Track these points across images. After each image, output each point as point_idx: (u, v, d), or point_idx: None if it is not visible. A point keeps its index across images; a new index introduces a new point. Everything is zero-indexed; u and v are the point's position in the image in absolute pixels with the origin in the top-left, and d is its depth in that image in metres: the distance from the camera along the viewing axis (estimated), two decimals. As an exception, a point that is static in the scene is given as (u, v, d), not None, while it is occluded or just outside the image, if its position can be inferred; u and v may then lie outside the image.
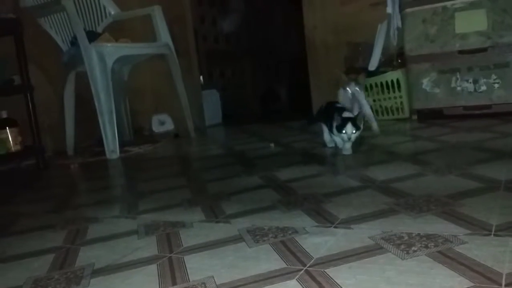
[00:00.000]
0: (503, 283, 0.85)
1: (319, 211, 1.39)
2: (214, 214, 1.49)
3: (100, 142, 3.10)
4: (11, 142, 2.80)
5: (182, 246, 1.24)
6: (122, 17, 3.67)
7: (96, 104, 2.99)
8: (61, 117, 3.37)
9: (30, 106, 2.87)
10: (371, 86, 3.16)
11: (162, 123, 4.35)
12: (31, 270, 1.22)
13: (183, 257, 1.15)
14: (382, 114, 3.14)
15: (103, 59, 3.00)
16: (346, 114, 2.11)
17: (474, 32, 2.72)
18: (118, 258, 1.21)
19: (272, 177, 1.92)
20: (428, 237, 1.10)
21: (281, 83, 5.34)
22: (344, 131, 2.08)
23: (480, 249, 1.00)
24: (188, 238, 1.29)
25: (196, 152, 3.12)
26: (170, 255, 1.18)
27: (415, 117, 2.98)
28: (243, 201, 1.60)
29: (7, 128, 2.78)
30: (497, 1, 2.64)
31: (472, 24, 2.71)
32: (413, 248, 1.04)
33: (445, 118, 2.83)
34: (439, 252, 1.01)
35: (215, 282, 0.99)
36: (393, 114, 3.10)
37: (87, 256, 1.27)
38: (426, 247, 1.04)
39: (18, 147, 2.83)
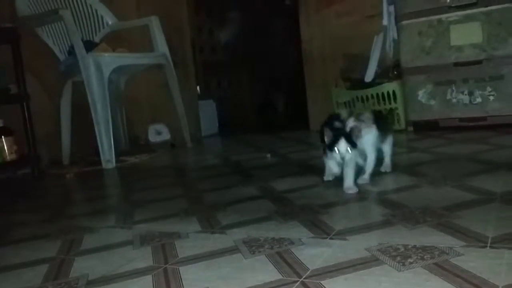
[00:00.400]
0: (499, 295, 0.85)
1: (315, 222, 1.38)
2: (210, 225, 1.49)
3: (96, 152, 3.09)
4: (6, 151, 2.79)
5: (178, 257, 1.23)
6: (119, 27, 3.68)
7: (93, 113, 2.99)
8: (57, 126, 3.36)
9: (26, 115, 2.87)
10: (367, 97, 3.18)
11: (158, 133, 4.35)
12: (24, 281, 1.21)
13: (178, 268, 1.15)
14: (378, 126, 3.15)
15: (100, 68, 3.00)
16: (338, 125, 1.68)
17: (469, 45, 2.74)
18: (113, 269, 1.20)
19: (269, 187, 1.92)
20: (424, 249, 1.10)
21: (278, 94, 5.35)
22: (336, 149, 1.60)
23: (476, 261, 1.00)
24: (183, 249, 1.28)
25: (193, 162, 3.12)
26: (166, 266, 1.18)
27: (411, 128, 3.00)
28: (239, 212, 1.60)
29: (2, 137, 2.77)
30: (491, 14, 2.67)
31: (467, 36, 2.73)
32: (409, 260, 1.04)
33: (441, 130, 2.84)
34: (435, 264, 1.01)
35: (210, 294, 0.98)
36: (389, 126, 3.11)
37: (81, 266, 1.26)
38: (422, 259, 1.04)
39: (14, 156, 2.82)
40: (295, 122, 3.92)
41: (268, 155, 2.69)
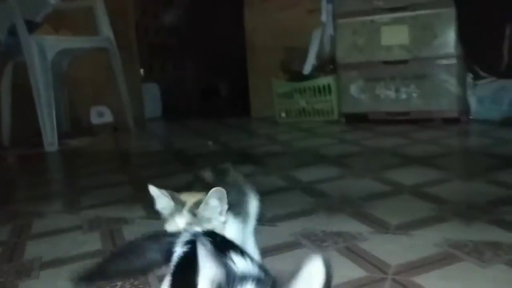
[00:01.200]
0: (390, 273, 1.06)
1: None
2: (154, 211, 1.62)
3: (38, 133, 3.10)
4: None
5: (125, 241, 1.36)
6: (62, 7, 3.64)
7: (35, 96, 3.00)
8: (-3, 107, 3.33)
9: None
10: (304, 89, 3.38)
11: (100, 115, 4.35)
12: (-21, 263, 1.31)
13: (126, 251, 1.28)
14: (314, 116, 3.36)
15: (43, 52, 3.00)
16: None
17: (398, 45, 2.99)
18: (65, 253, 1.32)
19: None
20: (339, 234, 1.30)
21: (222, 80, 5.46)
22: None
23: (378, 245, 1.21)
24: (130, 234, 1.41)
25: (136, 147, 3.21)
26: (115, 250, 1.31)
27: (343, 119, 3.23)
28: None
29: None
30: (418, 19, 2.91)
31: (395, 38, 2.97)
32: (324, 244, 1.24)
33: (370, 122, 3.09)
34: (345, 247, 1.21)
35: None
36: (323, 116, 3.33)
37: (34, 250, 1.37)
38: (336, 243, 1.24)
39: (-48, 138, 2.80)
40: (238, 108, 4.05)
41: (211, 143, 2.83)
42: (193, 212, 0.88)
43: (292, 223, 1.41)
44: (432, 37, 2.88)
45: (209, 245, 0.56)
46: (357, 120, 3.13)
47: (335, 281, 1.03)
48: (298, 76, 3.41)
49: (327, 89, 3.29)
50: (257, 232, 1.33)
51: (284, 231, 1.35)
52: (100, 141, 3.39)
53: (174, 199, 0.90)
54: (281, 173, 2.01)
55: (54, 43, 3.07)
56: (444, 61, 2.86)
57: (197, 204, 0.88)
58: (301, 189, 1.77)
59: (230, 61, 5.28)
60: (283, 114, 3.47)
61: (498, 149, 2.20)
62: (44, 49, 3.00)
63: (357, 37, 3.08)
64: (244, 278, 0.56)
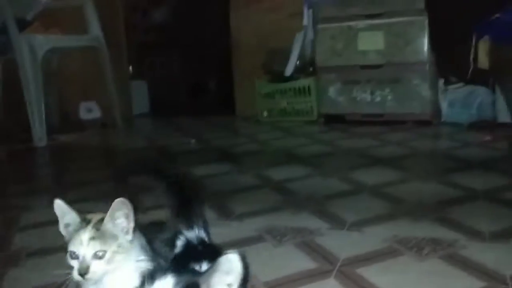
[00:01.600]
0: (337, 265, 1.20)
1: (220, 207, 1.69)
2: (136, 207, 1.76)
3: (28, 128, 3.20)
4: None
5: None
6: (52, 6, 3.74)
7: (25, 93, 3.10)
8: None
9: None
10: (286, 90, 3.52)
11: (89, 111, 4.46)
12: (-29, 252, 1.44)
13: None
14: (294, 116, 3.50)
15: (33, 50, 3.11)
16: None
17: (374, 51, 3.13)
18: (51, 243, 1.44)
19: (188, 173, 2.20)
20: (299, 230, 1.44)
21: (209, 77, 5.58)
22: None
23: (332, 240, 1.36)
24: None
25: (122, 144, 3.33)
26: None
27: (322, 120, 3.37)
28: (160, 196, 1.87)
29: None
30: (393, 25, 3.06)
31: (371, 43, 3.12)
32: (284, 238, 1.38)
33: (347, 123, 3.24)
34: (303, 241, 1.36)
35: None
36: (303, 116, 3.48)
37: (21, 241, 1.50)
38: (295, 238, 1.39)
39: None
40: (224, 106, 4.18)
41: (193, 141, 2.96)
42: (97, 227, 0.84)
43: (258, 219, 1.55)
44: (405, 44, 3.03)
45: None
46: (334, 120, 3.28)
47: (290, 271, 1.19)
48: (280, 77, 3.54)
49: (307, 90, 3.43)
50: (224, 227, 1.48)
51: (250, 226, 1.49)
52: (88, 136, 3.50)
53: (80, 215, 0.88)
54: (255, 171, 2.15)
55: (44, 41, 3.18)
56: (417, 67, 3.01)
57: (102, 220, 0.85)
58: (271, 188, 1.91)
59: (217, 60, 5.40)
60: (265, 114, 3.61)
61: (460, 152, 2.35)
62: (34, 47, 3.10)
63: (335, 42, 3.22)
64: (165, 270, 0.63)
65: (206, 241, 0.92)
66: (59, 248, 1.42)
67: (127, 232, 0.85)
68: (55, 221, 1.66)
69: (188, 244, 0.88)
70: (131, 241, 0.85)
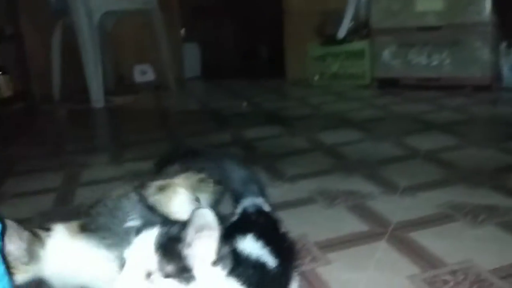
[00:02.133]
0: (391, 228, 1.20)
1: (272, 169, 1.71)
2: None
3: (86, 89, 3.33)
4: (2, 88, 3.03)
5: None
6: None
7: (83, 55, 3.21)
8: (48, 64, 3.57)
9: (20, 54, 3.08)
10: (337, 53, 3.45)
11: (143, 73, 4.56)
12: (39, 205, 1.53)
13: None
14: (346, 79, 3.44)
15: (90, 13, 3.18)
16: None
17: (432, 11, 3.00)
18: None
19: (239, 136, 2.23)
20: (351, 193, 1.44)
21: (261, 41, 5.54)
22: None
23: (384, 204, 1.35)
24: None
25: (175, 106, 3.39)
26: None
27: (375, 84, 3.29)
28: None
29: (-1, 74, 3.00)
30: (453, -16, 2.91)
31: (430, 4, 2.98)
32: (336, 201, 1.39)
33: (401, 87, 3.15)
34: (354, 205, 1.36)
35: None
36: (356, 80, 3.41)
37: (83, 196, 1.58)
38: (346, 200, 1.39)
39: (9, 93, 3.06)
40: (275, 70, 4.15)
41: (245, 104, 2.97)
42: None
43: (310, 182, 1.56)
44: (466, 4, 2.87)
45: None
46: (388, 85, 3.20)
47: (341, 233, 1.20)
48: (332, 40, 3.47)
49: (360, 54, 3.35)
50: (276, 188, 1.50)
51: (301, 188, 1.50)
52: (142, 99, 3.59)
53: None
54: (306, 135, 2.15)
55: (100, 4, 3.25)
56: (478, 28, 2.86)
57: None
58: (322, 151, 1.91)
59: (269, 24, 5.33)
60: (316, 77, 3.56)
61: (521, 118, 2.25)
62: (90, 10, 3.18)
63: (392, 2, 3.10)
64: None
65: (263, 209, 0.89)
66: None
67: None
68: (113, 178, 1.75)
69: (244, 213, 0.87)
70: None
